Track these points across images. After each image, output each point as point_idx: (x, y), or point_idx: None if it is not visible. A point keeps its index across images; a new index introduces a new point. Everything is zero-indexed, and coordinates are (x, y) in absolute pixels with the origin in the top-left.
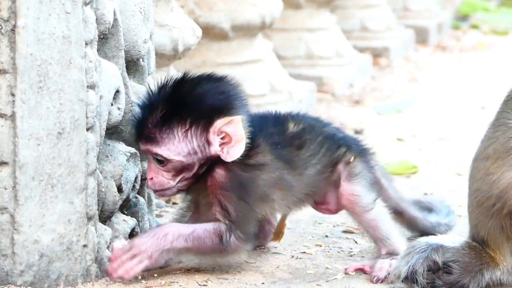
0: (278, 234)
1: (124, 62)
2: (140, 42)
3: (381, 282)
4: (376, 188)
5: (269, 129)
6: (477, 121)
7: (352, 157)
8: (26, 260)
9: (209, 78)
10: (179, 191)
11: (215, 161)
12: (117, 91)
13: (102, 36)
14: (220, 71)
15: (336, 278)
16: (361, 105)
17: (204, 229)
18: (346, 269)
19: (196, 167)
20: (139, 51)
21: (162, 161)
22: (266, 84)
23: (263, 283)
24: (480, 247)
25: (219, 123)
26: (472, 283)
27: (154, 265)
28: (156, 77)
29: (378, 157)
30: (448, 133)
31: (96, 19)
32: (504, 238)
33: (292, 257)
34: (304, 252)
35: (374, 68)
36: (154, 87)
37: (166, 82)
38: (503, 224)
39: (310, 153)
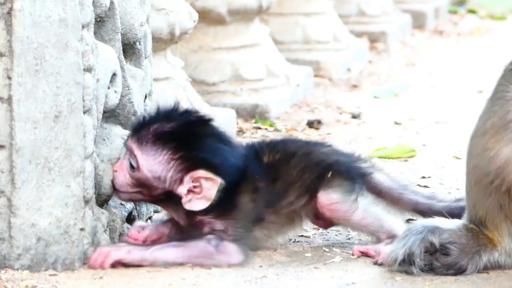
0: None
1: (121, 45)
2: (136, 25)
3: (381, 264)
4: (356, 193)
5: (250, 179)
6: (474, 105)
7: (329, 173)
8: (23, 244)
9: (220, 136)
10: (130, 200)
11: (172, 198)
12: (114, 74)
13: (98, 19)
14: (216, 56)
15: (334, 261)
16: (359, 89)
17: (195, 246)
18: (352, 252)
19: (156, 192)
20: (136, 34)
21: (133, 167)
22: (263, 69)
23: (260, 266)
24: (477, 229)
25: (201, 173)
26: (470, 265)
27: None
28: (152, 61)
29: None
30: (446, 117)
31: (93, 2)
32: (502, 217)
33: (290, 240)
34: (302, 235)
35: (371, 53)
36: (177, 105)
37: (193, 110)
38: (501, 202)
39: (285, 187)
